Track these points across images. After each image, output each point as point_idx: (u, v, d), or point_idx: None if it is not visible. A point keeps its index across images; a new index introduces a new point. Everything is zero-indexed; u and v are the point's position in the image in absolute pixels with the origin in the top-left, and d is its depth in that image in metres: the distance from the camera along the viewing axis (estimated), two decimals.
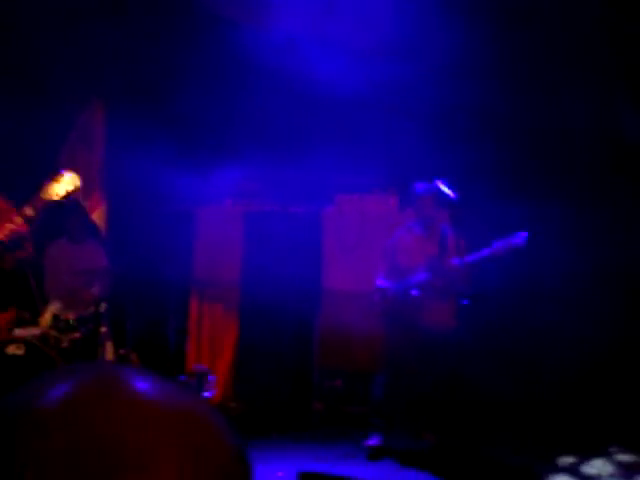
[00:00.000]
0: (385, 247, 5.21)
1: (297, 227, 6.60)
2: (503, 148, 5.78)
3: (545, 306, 5.67)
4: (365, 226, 6.54)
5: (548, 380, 5.83)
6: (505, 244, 4.48)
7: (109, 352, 5.62)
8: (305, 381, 6.59)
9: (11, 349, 4.78)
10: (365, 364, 5.97)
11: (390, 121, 5.92)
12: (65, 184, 4.14)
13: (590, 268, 5.66)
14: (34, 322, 5.26)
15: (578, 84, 5.65)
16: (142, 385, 0.65)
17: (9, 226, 4.10)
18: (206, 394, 4.35)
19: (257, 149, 6.49)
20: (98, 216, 6.59)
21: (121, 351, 5.84)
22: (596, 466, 4.55)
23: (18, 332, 5.04)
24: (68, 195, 4.16)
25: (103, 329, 5.47)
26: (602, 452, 4.87)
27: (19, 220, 4.10)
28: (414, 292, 4.83)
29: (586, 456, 4.82)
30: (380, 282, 5.01)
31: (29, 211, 4.09)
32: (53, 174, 4.17)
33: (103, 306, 5.66)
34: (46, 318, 5.32)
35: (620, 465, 4.56)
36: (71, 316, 5.39)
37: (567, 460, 4.81)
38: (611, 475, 4.46)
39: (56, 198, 4.13)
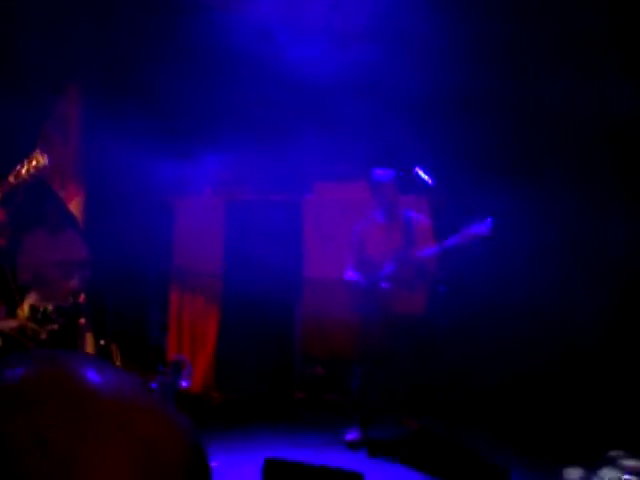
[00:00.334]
0: (351, 238, 5.18)
1: (277, 216, 6.57)
2: (485, 133, 5.78)
3: (524, 290, 5.69)
4: (345, 214, 6.53)
5: (529, 365, 5.86)
6: (469, 232, 4.45)
7: (89, 343, 5.59)
8: (287, 370, 6.59)
9: None
10: (347, 352, 5.96)
11: (370, 108, 5.89)
12: (31, 163, 4.11)
13: (571, 252, 5.70)
14: (11, 314, 5.20)
15: (560, 67, 5.65)
16: (93, 375, 0.65)
17: None
18: (183, 383, 4.34)
19: (236, 138, 6.45)
20: (75, 206, 6.52)
21: (101, 342, 5.80)
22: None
23: None
24: (35, 174, 4.13)
25: (82, 320, 5.44)
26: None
27: None
28: (384, 284, 4.82)
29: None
30: (349, 275, 4.98)
31: None
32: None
33: (82, 297, 5.63)
34: (24, 310, 5.26)
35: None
36: (49, 308, 5.34)
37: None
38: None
39: (24, 178, 4.10)
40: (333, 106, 5.98)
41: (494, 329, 5.84)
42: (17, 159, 4.36)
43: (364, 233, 5.06)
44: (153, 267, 6.86)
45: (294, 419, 5.85)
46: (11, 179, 4.10)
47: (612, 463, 3.65)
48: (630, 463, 3.62)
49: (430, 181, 4.59)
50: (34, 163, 4.13)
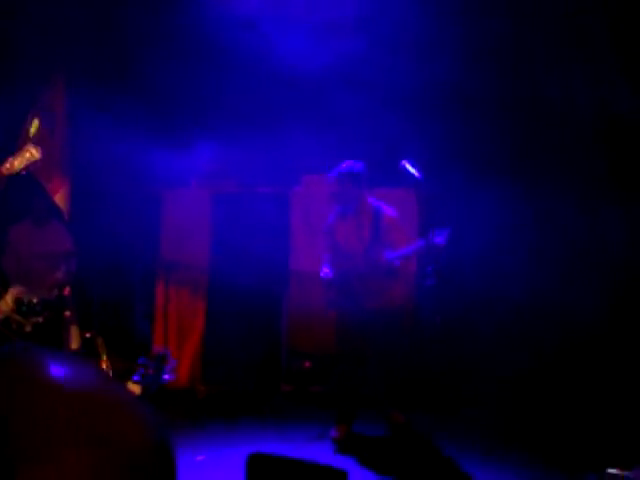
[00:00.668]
0: (323, 234, 5.18)
1: (265, 208, 6.55)
2: (477, 128, 5.77)
3: (522, 287, 5.69)
4: (332, 207, 6.50)
5: (527, 363, 5.85)
6: (426, 243, 4.42)
7: (74, 336, 5.55)
8: (273, 363, 6.59)
9: None
10: (333, 345, 5.96)
11: (358, 101, 5.87)
12: (23, 156, 4.07)
13: (569, 249, 5.71)
14: None
15: (553, 62, 5.64)
16: (57, 369, 0.64)
17: None
18: (165, 377, 4.31)
19: (224, 129, 6.42)
20: (60, 198, 6.47)
21: (87, 335, 5.77)
22: None
23: None
24: (26, 167, 4.09)
25: (67, 313, 5.41)
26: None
27: None
28: (354, 282, 4.84)
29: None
30: (324, 272, 4.98)
31: None
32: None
33: (67, 290, 5.60)
34: (8, 302, 5.22)
35: None
36: (34, 300, 5.30)
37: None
38: None
39: (15, 170, 4.06)
40: (321, 98, 5.96)
41: (493, 327, 5.86)
42: (2, 150, 4.32)
43: (333, 228, 5.06)
44: (139, 259, 6.83)
45: (280, 412, 5.85)
46: (3, 170, 4.06)
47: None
48: None
49: (418, 175, 4.56)
50: (27, 156, 4.09)
